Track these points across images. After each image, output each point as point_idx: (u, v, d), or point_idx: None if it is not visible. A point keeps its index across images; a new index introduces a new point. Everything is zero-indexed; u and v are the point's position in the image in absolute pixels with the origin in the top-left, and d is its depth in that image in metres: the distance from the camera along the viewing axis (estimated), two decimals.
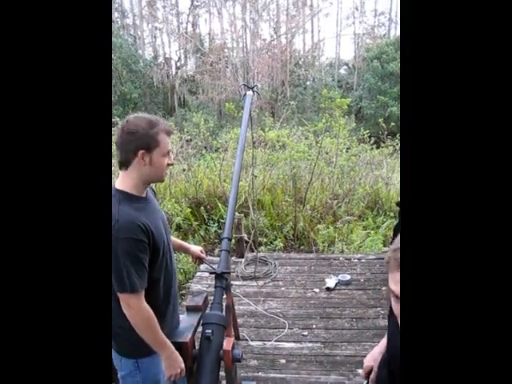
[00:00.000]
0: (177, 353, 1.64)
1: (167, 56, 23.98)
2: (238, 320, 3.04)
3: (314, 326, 3.12)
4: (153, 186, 1.88)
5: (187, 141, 7.05)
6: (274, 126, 7.83)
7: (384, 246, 4.78)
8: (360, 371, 2.46)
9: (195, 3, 23.39)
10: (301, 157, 5.52)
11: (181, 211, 5.29)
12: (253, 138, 4.93)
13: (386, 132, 6.78)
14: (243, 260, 4.22)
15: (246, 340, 2.97)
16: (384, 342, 1.68)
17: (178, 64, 23.70)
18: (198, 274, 4.00)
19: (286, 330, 3.08)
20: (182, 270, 4.34)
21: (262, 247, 4.98)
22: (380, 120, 7.29)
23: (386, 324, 1.68)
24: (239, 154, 2.30)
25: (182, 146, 6.84)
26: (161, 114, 19.18)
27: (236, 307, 3.06)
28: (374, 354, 1.67)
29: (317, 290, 3.64)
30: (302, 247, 5.16)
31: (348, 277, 3.75)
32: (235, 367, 1.80)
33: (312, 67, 22.42)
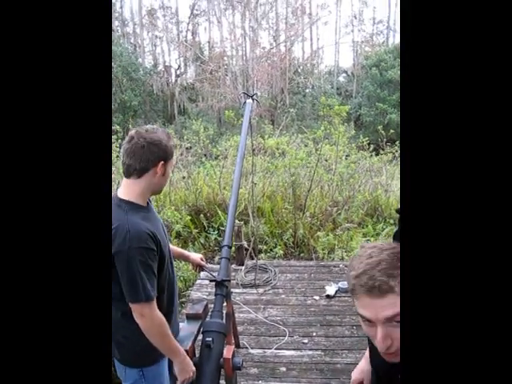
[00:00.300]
0: (188, 357, 1.65)
1: (167, 64, 24.13)
2: (238, 328, 3.03)
3: (315, 334, 3.10)
4: None
5: (187, 148, 7.06)
6: (273, 134, 7.84)
7: None
8: None
9: (195, 12, 23.58)
10: (299, 164, 5.52)
11: (180, 219, 5.28)
12: (252, 145, 4.94)
13: (385, 139, 6.79)
14: (243, 267, 4.21)
15: (247, 348, 2.95)
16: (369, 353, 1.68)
17: (178, 72, 23.83)
18: (198, 281, 3.99)
19: (286, 337, 3.06)
20: (182, 278, 4.33)
21: (262, 255, 4.97)
22: (379, 127, 7.30)
23: None
24: (239, 162, 2.31)
25: (181, 154, 6.85)
26: (161, 121, 19.26)
27: (236, 315, 3.05)
28: (362, 368, 1.67)
29: (317, 298, 3.63)
30: (301, 254, 5.15)
31: None
32: (235, 375, 1.79)
33: (311, 75, 22.53)
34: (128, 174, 1.56)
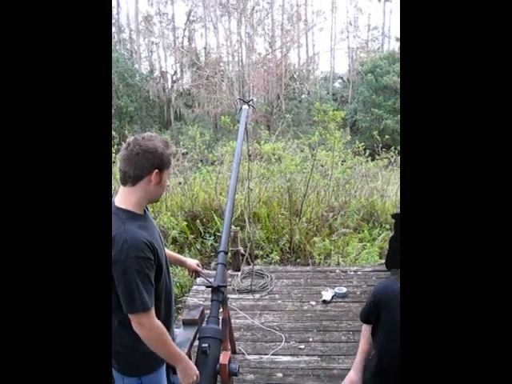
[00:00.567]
0: (190, 361, 1.63)
1: (163, 70, 24.12)
2: (235, 334, 3.02)
3: (311, 339, 3.10)
4: None
5: (183, 154, 7.06)
6: (269, 139, 7.85)
7: (380, 258, 4.78)
8: None
9: (191, 18, 23.64)
10: (295, 170, 5.53)
11: (177, 224, 5.27)
12: (248, 151, 4.95)
13: (380, 144, 6.82)
14: (239, 273, 4.20)
15: (243, 354, 2.95)
16: (357, 364, 1.69)
17: (174, 78, 23.84)
18: (195, 287, 3.98)
19: (282, 343, 3.06)
20: (178, 284, 4.31)
21: (259, 260, 4.96)
22: (375, 133, 7.33)
23: None
24: (235, 167, 2.31)
25: (178, 160, 6.85)
26: (157, 127, 19.24)
27: (232, 321, 3.05)
28: (351, 379, 1.67)
29: (313, 303, 3.63)
30: (298, 260, 5.15)
31: (344, 289, 3.75)
32: (232, 381, 1.79)
33: (307, 81, 22.60)
34: (124, 181, 1.56)
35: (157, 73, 23.67)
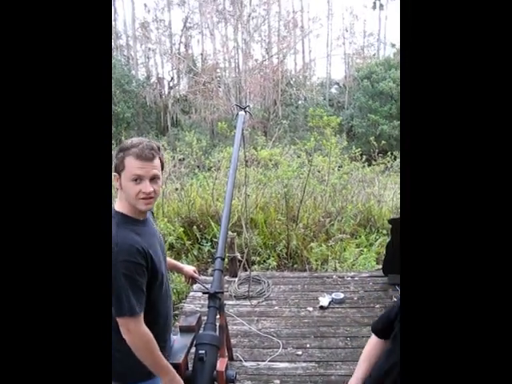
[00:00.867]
0: (177, 374, 1.60)
1: (160, 76, 24.20)
2: (232, 340, 3.01)
3: (308, 346, 3.09)
4: (153, 208, 1.88)
5: (180, 160, 7.07)
6: (266, 145, 7.87)
7: (377, 263, 4.78)
8: None
9: (188, 25, 23.74)
10: (291, 175, 5.54)
11: (173, 230, 5.27)
12: (245, 156, 4.95)
13: (377, 150, 6.86)
14: (236, 279, 4.19)
15: (240, 360, 2.93)
16: (357, 374, 1.65)
17: (171, 84, 23.92)
18: (191, 293, 3.97)
19: (279, 349, 3.04)
20: (174, 290, 4.30)
21: (255, 266, 4.96)
22: (371, 138, 7.36)
23: None
24: (232, 173, 2.31)
25: (174, 166, 6.86)
26: (153, 133, 19.25)
27: (229, 327, 3.03)
28: None
29: (310, 309, 3.62)
30: (295, 266, 5.14)
31: (341, 295, 3.74)
32: None
33: (303, 87, 22.69)
34: None
35: (154, 79, 23.73)
